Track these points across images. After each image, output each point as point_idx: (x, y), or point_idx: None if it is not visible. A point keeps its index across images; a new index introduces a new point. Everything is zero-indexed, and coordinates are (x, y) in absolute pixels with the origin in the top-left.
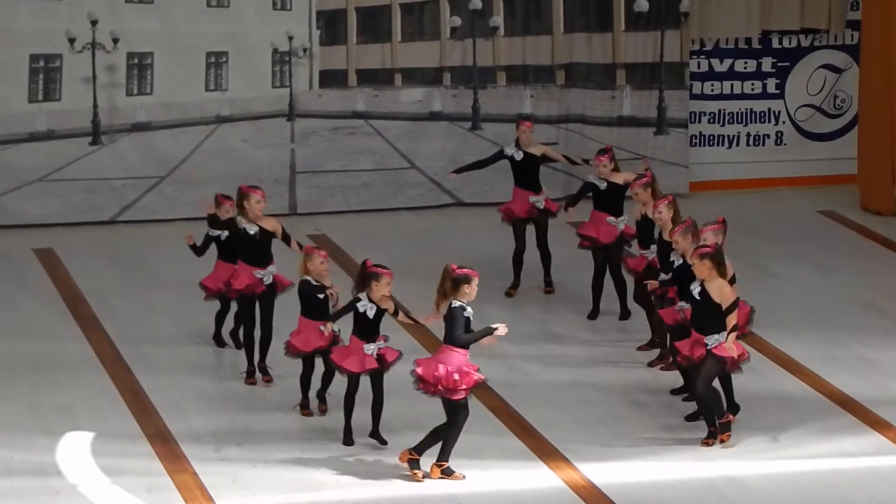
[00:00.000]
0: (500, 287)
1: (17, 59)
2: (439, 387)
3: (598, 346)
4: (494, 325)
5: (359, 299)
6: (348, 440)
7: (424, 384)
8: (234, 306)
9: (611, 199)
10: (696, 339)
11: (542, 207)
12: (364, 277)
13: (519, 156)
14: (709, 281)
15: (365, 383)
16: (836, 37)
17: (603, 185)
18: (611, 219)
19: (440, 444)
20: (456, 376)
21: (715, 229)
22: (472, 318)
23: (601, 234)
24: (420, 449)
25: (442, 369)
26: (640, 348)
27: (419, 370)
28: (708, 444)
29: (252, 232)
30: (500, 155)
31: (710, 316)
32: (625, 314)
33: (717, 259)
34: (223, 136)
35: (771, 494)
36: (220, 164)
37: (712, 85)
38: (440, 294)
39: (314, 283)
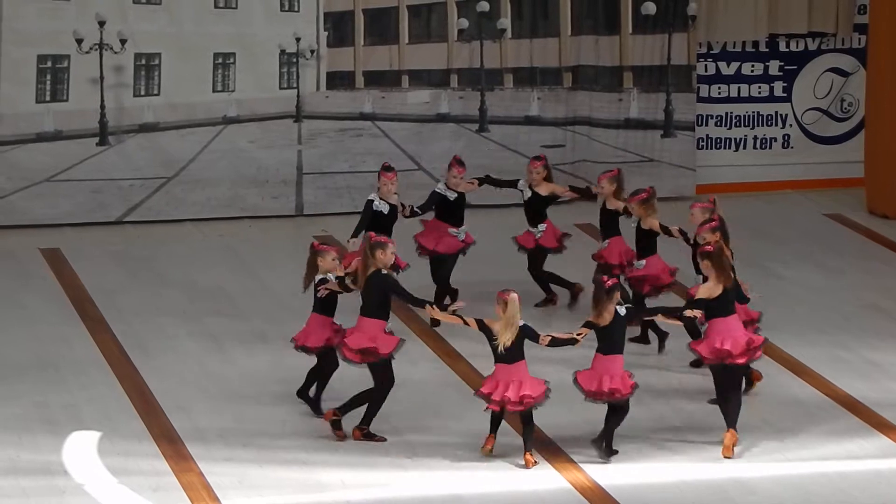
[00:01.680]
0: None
1: (24, 59)
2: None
3: None
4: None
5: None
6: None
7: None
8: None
9: (531, 209)
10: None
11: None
12: (608, 292)
13: (385, 208)
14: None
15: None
16: (844, 40)
17: (528, 194)
18: (531, 228)
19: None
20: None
21: (704, 206)
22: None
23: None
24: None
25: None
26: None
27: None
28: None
29: None
30: (369, 206)
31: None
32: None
33: (716, 259)
34: (230, 137)
35: (776, 496)
36: (227, 164)
37: (719, 88)
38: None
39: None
